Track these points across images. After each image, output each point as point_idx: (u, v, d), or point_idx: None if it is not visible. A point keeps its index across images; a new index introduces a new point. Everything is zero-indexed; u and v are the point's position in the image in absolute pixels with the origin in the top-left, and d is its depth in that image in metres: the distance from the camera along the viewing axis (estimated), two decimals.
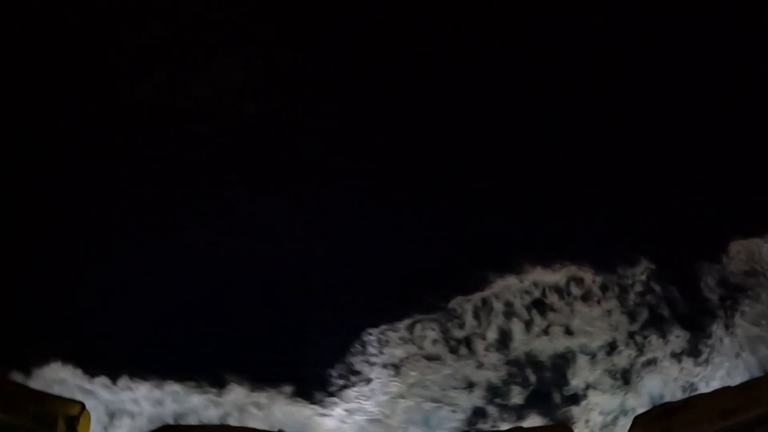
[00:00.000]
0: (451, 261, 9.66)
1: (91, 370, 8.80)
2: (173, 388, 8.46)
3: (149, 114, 12.44)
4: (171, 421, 8.26)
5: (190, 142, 11.98)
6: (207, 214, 10.78)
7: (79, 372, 8.67)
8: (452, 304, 9.14)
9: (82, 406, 6.64)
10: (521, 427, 6.92)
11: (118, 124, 12.56)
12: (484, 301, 9.10)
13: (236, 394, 8.46)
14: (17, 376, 8.77)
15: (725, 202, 10.04)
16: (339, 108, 12.20)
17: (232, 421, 8.24)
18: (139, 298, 9.69)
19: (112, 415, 8.48)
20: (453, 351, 8.77)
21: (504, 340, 8.82)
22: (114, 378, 8.60)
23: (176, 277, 9.77)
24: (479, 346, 8.76)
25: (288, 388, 8.50)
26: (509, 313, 9.03)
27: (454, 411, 8.39)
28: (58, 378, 8.70)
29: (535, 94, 11.75)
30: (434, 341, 8.83)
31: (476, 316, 9.07)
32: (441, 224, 10.14)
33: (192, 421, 8.31)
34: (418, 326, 9.00)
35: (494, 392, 8.49)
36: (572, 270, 9.21)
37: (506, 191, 10.52)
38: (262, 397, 8.44)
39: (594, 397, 8.31)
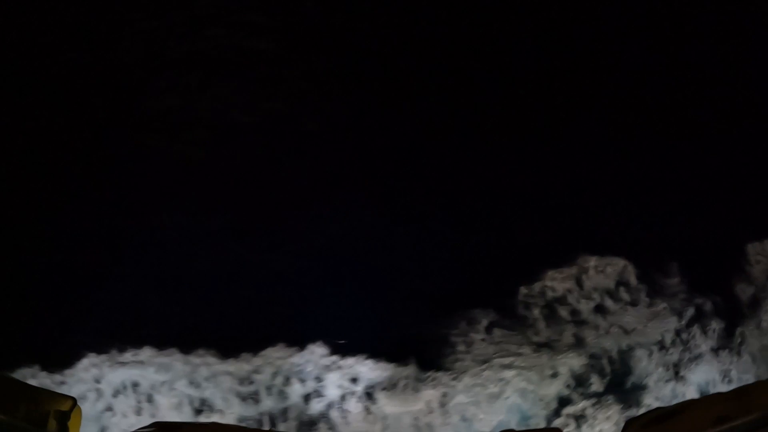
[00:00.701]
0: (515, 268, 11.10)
1: None
2: None
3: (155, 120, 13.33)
4: None
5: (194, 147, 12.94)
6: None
7: None
8: (523, 311, 10.69)
9: (74, 401, 6.66)
10: (513, 430, 7.32)
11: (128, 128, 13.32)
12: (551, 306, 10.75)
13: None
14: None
15: (742, 206, 11.62)
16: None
17: None
18: None
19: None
20: (534, 351, 10.48)
21: (579, 342, 10.40)
22: None
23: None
24: (558, 345, 10.43)
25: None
26: (575, 312, 10.75)
27: (541, 399, 10.03)
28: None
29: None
30: (516, 344, 10.48)
31: (547, 321, 10.70)
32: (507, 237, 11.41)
33: None
34: (497, 330, 10.57)
35: (577, 380, 10.10)
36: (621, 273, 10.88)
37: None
38: None
39: (653, 386, 10.17)
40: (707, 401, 6.95)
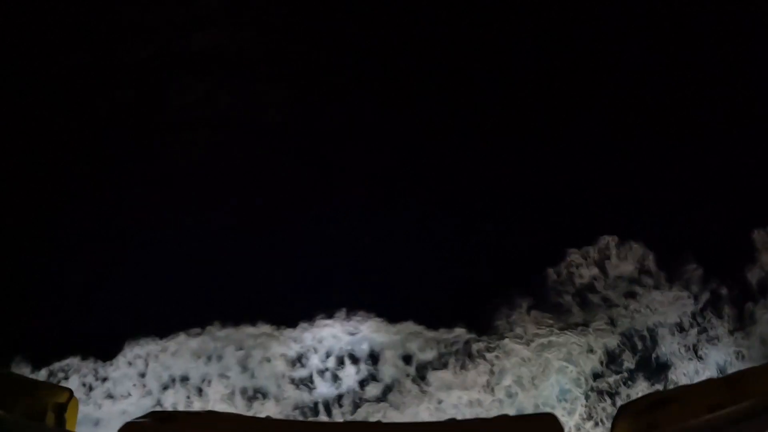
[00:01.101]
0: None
1: None
2: None
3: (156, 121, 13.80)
4: None
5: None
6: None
7: None
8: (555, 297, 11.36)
9: (70, 393, 6.66)
10: (507, 415, 7.41)
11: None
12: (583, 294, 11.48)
13: None
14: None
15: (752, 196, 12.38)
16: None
17: None
18: None
19: None
20: (570, 328, 11.14)
21: (612, 322, 11.12)
22: None
23: None
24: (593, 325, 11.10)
25: None
26: (607, 299, 11.48)
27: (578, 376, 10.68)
28: None
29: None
30: (550, 325, 11.13)
31: (582, 305, 11.40)
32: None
33: None
34: (535, 312, 11.19)
35: (610, 357, 10.81)
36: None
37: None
38: None
39: (678, 364, 10.92)
40: (701, 388, 7.00)
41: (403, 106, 14.48)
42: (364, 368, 10.37)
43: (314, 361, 10.36)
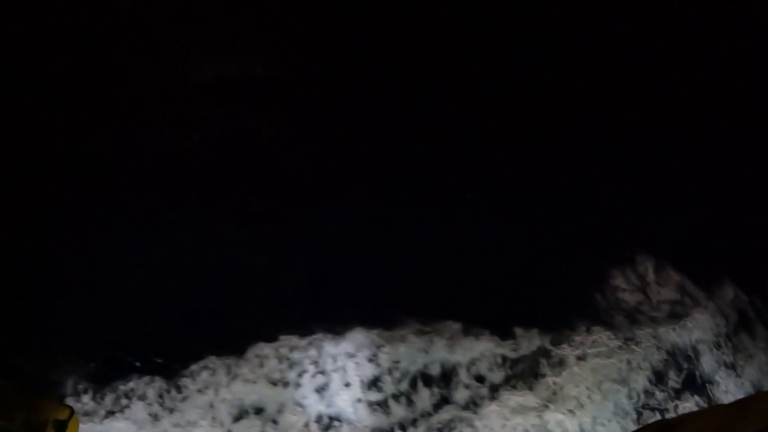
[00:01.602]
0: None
1: None
2: None
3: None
4: None
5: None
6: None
7: None
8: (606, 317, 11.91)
9: (71, 410, 6.84)
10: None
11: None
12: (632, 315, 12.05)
13: None
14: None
15: None
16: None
17: None
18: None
19: None
20: (620, 348, 11.65)
21: (657, 339, 11.71)
22: None
23: None
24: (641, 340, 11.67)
25: None
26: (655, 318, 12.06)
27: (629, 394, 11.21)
28: None
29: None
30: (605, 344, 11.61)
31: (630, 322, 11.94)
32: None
33: None
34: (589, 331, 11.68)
35: (657, 376, 11.36)
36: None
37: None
38: None
39: (720, 380, 11.63)
40: (709, 413, 7.26)
41: (403, 106, 14.43)
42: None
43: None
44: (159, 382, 9.89)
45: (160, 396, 9.88)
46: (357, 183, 12.58)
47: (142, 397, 9.82)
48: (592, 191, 13.23)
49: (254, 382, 10.04)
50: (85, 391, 9.83)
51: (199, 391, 9.95)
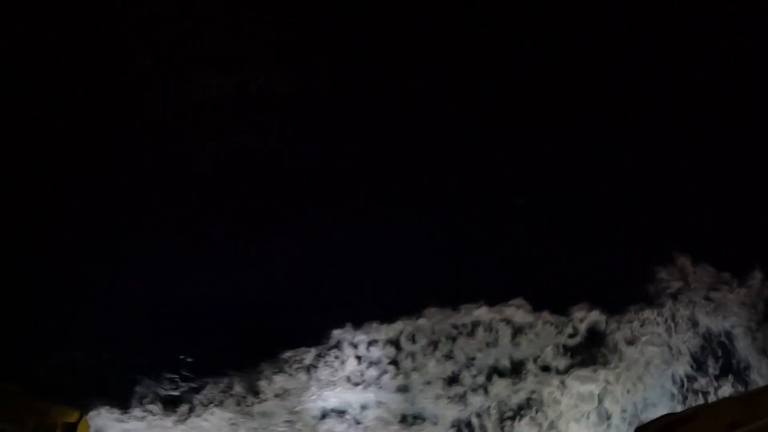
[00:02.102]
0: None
1: None
2: None
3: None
4: None
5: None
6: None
7: None
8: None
9: (81, 413, 7.27)
10: None
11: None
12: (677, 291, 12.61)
13: None
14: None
15: None
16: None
17: None
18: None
19: None
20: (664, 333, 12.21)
21: (694, 324, 12.29)
22: None
23: None
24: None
25: None
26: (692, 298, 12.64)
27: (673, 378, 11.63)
28: None
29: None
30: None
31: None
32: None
33: None
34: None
35: (696, 362, 11.95)
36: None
37: None
38: None
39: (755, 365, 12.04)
40: (718, 407, 7.41)
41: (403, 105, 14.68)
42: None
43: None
44: (237, 388, 9.72)
45: (238, 403, 9.71)
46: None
47: (219, 405, 9.62)
48: (641, 196, 13.76)
49: (334, 384, 10.00)
50: (157, 399, 9.56)
51: (277, 395, 9.83)
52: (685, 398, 11.58)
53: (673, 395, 11.58)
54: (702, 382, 11.77)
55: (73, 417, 7.01)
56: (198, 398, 9.63)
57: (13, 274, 11.49)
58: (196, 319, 11.46)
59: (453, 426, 10.17)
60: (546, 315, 11.49)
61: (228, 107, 14.35)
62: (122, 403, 9.87)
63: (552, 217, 12.90)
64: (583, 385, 11.05)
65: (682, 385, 11.69)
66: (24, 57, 14.42)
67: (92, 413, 8.94)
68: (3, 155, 13.03)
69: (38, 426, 6.69)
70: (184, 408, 9.65)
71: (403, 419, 10.11)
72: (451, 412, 10.19)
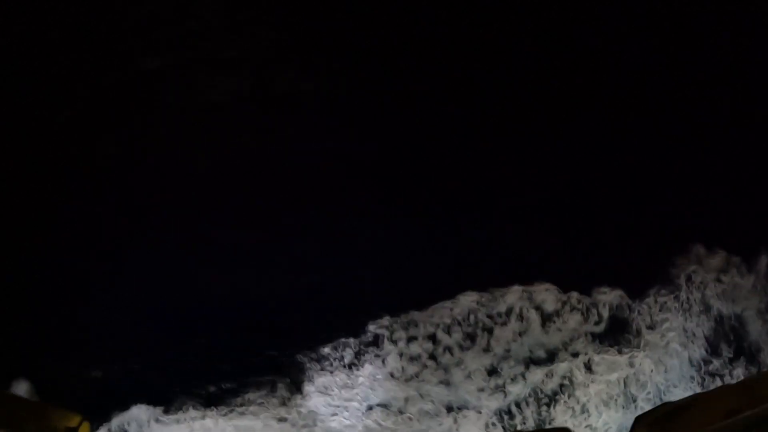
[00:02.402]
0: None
1: None
2: None
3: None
4: None
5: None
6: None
7: None
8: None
9: (81, 417, 6.96)
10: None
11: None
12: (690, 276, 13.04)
13: None
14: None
15: None
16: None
17: None
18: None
19: None
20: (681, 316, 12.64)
21: (707, 308, 12.76)
22: None
23: None
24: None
25: None
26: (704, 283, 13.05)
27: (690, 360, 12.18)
28: None
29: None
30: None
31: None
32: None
33: None
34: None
35: (710, 344, 12.46)
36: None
37: None
38: None
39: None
40: (716, 394, 7.26)
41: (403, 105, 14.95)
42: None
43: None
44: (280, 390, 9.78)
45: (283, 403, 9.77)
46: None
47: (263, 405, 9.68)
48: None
49: (375, 379, 10.12)
50: (203, 403, 9.57)
51: (320, 392, 9.92)
52: (703, 380, 12.04)
53: (691, 377, 12.03)
54: (717, 364, 12.23)
55: (74, 421, 6.84)
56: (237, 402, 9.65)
57: (13, 274, 11.51)
58: (206, 319, 11.53)
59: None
60: (574, 295, 11.87)
61: (228, 107, 14.49)
62: (164, 403, 9.83)
63: (578, 212, 13.36)
64: (610, 369, 11.36)
65: (699, 368, 12.12)
66: (25, 57, 14.46)
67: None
68: (4, 155, 12.92)
69: (38, 430, 6.61)
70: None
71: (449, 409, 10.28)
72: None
